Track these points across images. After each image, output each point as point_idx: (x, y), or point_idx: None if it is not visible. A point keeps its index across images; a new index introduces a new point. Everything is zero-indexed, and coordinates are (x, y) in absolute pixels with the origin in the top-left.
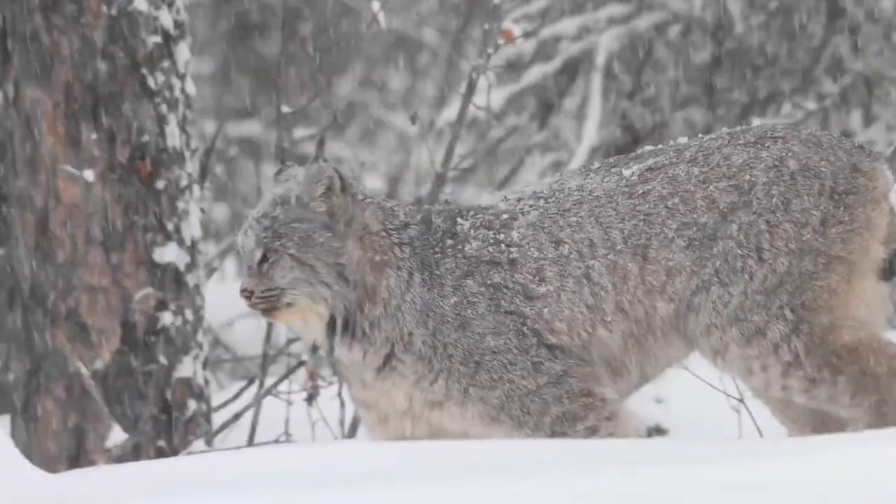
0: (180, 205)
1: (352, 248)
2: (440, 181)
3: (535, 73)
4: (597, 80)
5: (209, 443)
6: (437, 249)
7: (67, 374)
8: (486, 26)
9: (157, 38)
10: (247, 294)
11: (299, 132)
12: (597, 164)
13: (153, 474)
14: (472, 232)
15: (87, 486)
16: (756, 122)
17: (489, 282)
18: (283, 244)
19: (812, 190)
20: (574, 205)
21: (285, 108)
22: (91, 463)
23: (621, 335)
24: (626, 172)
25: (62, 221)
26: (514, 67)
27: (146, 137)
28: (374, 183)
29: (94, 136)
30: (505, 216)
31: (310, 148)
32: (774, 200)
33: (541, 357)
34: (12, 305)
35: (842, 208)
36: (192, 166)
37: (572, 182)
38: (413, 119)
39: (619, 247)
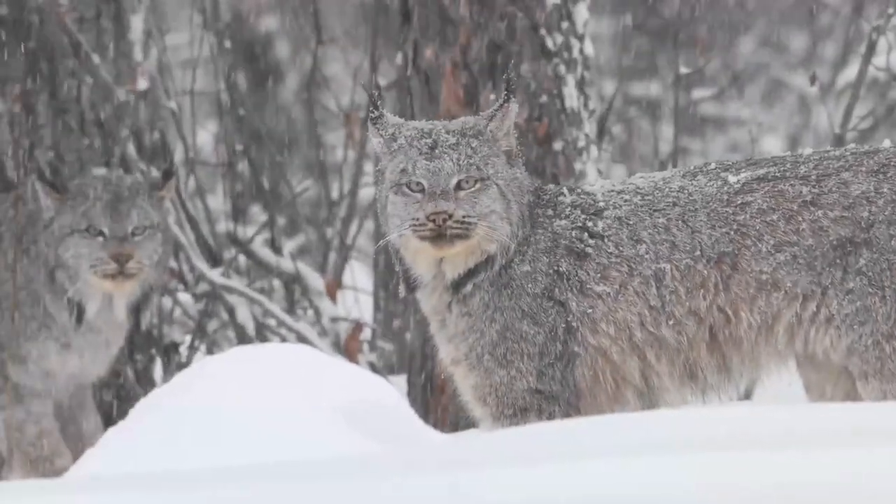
0: (577, 166)
1: None
2: (839, 142)
3: None
4: None
5: None
6: (538, 214)
7: None
8: None
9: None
10: (444, 217)
11: (698, 92)
12: (712, 165)
13: (537, 436)
14: (567, 210)
15: (483, 447)
16: (887, 143)
17: (556, 268)
18: (494, 173)
19: None
20: (667, 206)
21: (684, 69)
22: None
23: (693, 339)
24: (732, 179)
25: None
26: None
27: (544, 98)
28: (773, 144)
29: (492, 96)
30: (600, 204)
31: (709, 108)
32: (894, 242)
33: (553, 369)
34: None
35: None
36: (590, 127)
37: (677, 182)
38: (812, 80)
39: (701, 252)
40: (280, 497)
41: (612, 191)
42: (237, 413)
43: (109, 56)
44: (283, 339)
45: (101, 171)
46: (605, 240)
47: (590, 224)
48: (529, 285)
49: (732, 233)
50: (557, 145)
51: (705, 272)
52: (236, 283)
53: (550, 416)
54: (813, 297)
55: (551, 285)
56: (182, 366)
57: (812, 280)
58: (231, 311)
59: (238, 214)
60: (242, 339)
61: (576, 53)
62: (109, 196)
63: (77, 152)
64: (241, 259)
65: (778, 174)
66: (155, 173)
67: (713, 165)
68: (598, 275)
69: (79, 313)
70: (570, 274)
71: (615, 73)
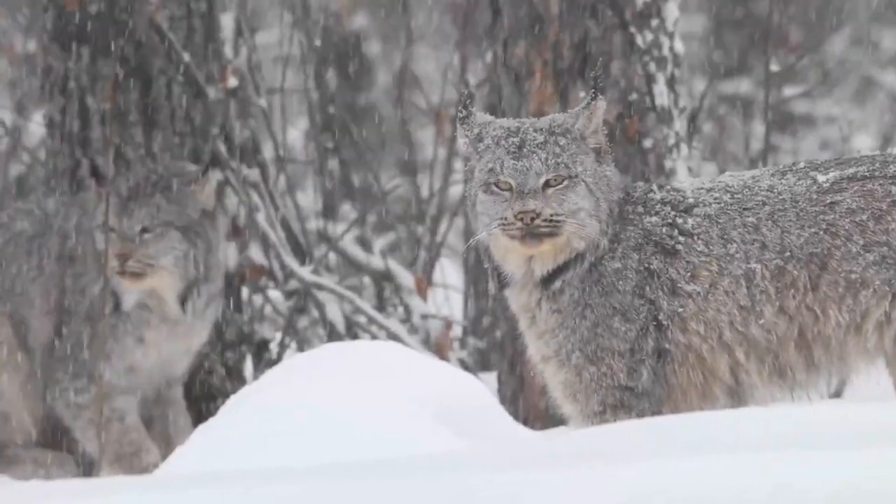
0: (667, 164)
1: None
2: None
3: None
4: None
5: None
6: (628, 211)
7: None
8: None
9: None
10: (531, 216)
11: (789, 90)
12: (802, 164)
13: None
14: (657, 207)
15: (574, 444)
16: None
17: (647, 265)
18: (582, 171)
19: None
20: (757, 205)
21: (774, 67)
22: None
23: (782, 338)
24: (821, 178)
25: None
26: None
27: (634, 96)
28: (864, 142)
29: (581, 94)
30: (690, 201)
31: (800, 106)
32: None
33: (643, 366)
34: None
35: None
36: (680, 125)
37: (766, 181)
38: None
39: (791, 253)
40: (368, 494)
41: (702, 188)
42: (326, 410)
43: (200, 54)
44: (374, 337)
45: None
46: (696, 238)
47: (680, 221)
48: (620, 282)
49: (822, 233)
50: (647, 143)
51: (795, 272)
52: (326, 280)
53: (640, 414)
54: None
55: (642, 282)
56: (272, 363)
57: None
58: (321, 309)
59: (328, 212)
60: (332, 336)
61: (666, 51)
62: (125, 192)
63: (168, 150)
64: (332, 256)
65: (867, 173)
66: (191, 167)
67: (802, 164)
68: (689, 273)
69: (115, 304)
70: (661, 272)
71: (706, 70)
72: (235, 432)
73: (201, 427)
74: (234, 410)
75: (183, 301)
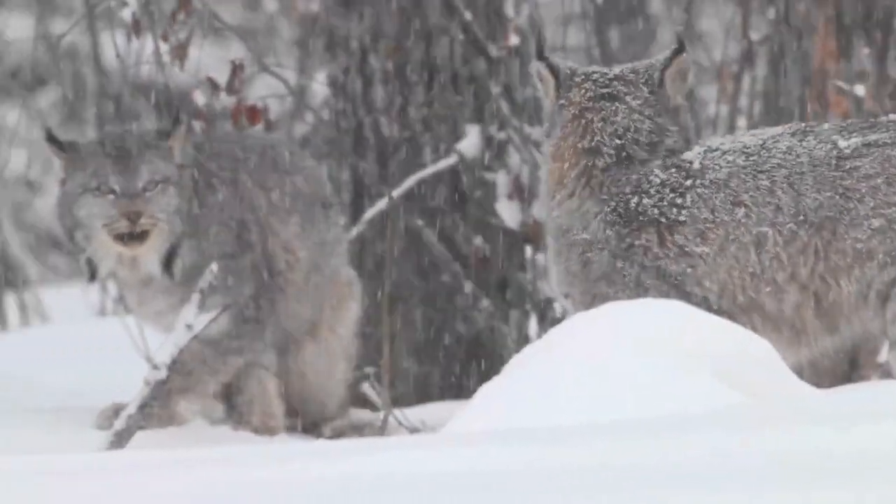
0: None
1: None
2: None
3: None
4: None
5: None
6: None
7: None
8: None
9: None
10: None
11: None
12: (826, 126)
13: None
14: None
15: (860, 400)
16: None
17: (637, 241)
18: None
19: None
20: (773, 167)
21: None
22: (862, 378)
23: (797, 305)
24: (842, 143)
25: None
26: None
27: None
28: None
29: (865, 50)
30: (697, 167)
31: None
32: None
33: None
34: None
35: None
36: None
37: (785, 142)
38: None
39: (805, 217)
40: (649, 451)
41: (717, 151)
42: (606, 368)
43: (481, 12)
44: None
45: (116, 127)
46: (699, 209)
47: (679, 201)
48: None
49: (838, 198)
50: None
51: (810, 239)
52: None
53: None
54: None
55: (631, 256)
56: (556, 321)
57: None
58: None
59: None
60: None
61: None
62: (118, 153)
63: (449, 109)
64: None
65: (888, 140)
66: (162, 124)
67: (826, 126)
68: (697, 237)
69: (92, 272)
70: (655, 244)
71: None
72: (519, 391)
73: (485, 386)
74: (517, 370)
75: (167, 263)
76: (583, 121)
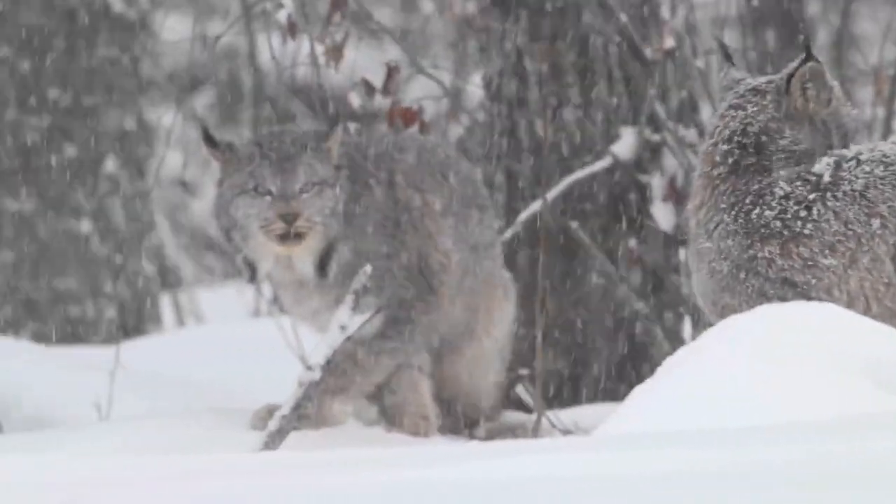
0: None
1: None
2: None
3: None
4: None
5: None
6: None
7: None
8: None
9: None
10: None
11: None
12: None
13: None
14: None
15: None
16: None
17: (760, 253)
18: None
19: None
20: None
21: None
22: None
23: None
24: None
25: None
26: None
27: None
28: None
29: None
30: (827, 179)
31: None
32: None
33: None
34: None
35: None
36: None
37: None
38: None
39: None
40: (794, 459)
41: (854, 160)
42: (762, 371)
43: (636, 14)
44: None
45: (273, 128)
46: (827, 222)
47: (803, 213)
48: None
49: None
50: None
51: None
52: None
53: None
54: None
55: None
56: (710, 324)
57: None
58: None
59: None
60: None
61: None
62: (275, 154)
63: (605, 111)
64: None
65: None
66: (320, 126)
67: None
68: (826, 249)
69: (251, 273)
70: (776, 255)
71: None
72: (672, 394)
73: (638, 388)
74: (671, 372)
75: (322, 263)
76: (715, 129)
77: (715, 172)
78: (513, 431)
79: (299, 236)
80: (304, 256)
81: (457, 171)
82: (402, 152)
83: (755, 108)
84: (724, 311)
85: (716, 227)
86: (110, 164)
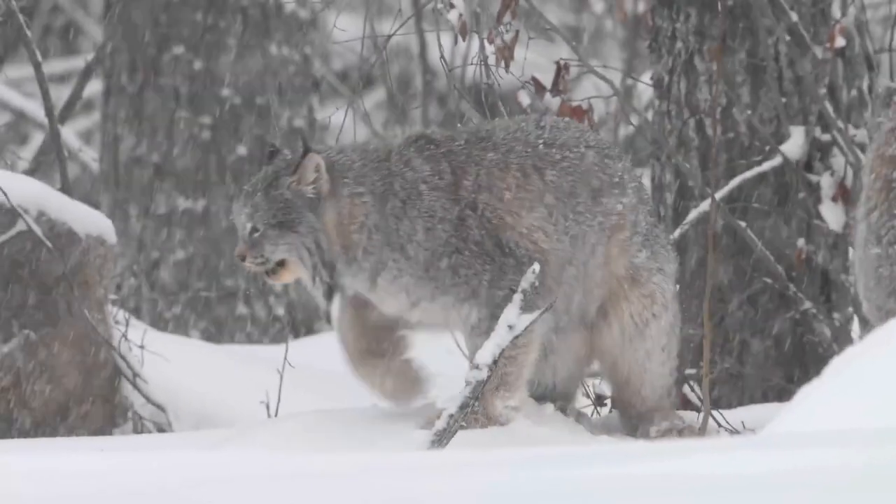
0: None
1: None
2: None
3: None
4: None
5: None
6: None
7: None
8: None
9: None
10: None
11: None
12: None
13: None
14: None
15: None
16: None
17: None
18: None
19: None
20: None
21: None
22: None
23: None
24: None
25: None
26: None
27: None
28: None
29: None
30: None
31: None
32: None
33: None
34: None
35: None
36: None
37: None
38: None
39: None
40: None
41: None
42: None
43: (807, 13)
44: None
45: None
46: None
47: None
48: None
49: None
50: None
51: None
52: None
53: None
54: None
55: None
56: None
57: None
58: None
59: None
60: None
61: None
62: (241, 198)
63: (775, 110)
64: None
65: None
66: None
67: None
68: None
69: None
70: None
71: None
72: (841, 394)
73: (806, 388)
74: (840, 372)
75: (330, 288)
76: (892, 133)
77: (894, 175)
78: (680, 431)
79: (272, 272)
80: (302, 283)
81: (562, 166)
82: (485, 151)
83: None
84: (888, 317)
85: (887, 233)
86: None
